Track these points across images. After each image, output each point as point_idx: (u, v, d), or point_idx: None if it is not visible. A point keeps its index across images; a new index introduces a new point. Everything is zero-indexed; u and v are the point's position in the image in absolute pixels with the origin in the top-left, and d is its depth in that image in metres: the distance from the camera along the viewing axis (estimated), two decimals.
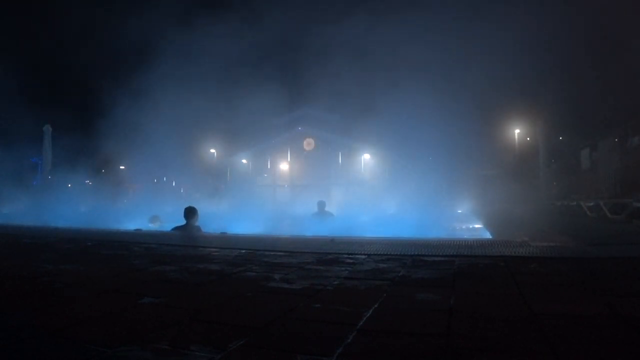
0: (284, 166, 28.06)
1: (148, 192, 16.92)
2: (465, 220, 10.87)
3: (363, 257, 3.52)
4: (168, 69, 14.96)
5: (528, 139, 24.02)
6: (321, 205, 10.68)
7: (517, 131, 24.21)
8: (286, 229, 8.57)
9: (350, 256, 3.56)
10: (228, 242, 4.86)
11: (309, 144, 25.86)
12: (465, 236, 7.40)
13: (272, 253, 3.81)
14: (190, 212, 7.13)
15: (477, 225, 9.71)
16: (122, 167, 21.10)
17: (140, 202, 14.26)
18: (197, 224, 7.13)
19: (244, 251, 4.02)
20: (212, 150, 30.16)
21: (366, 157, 26.11)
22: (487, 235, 6.62)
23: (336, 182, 24.57)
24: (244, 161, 29.26)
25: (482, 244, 4.26)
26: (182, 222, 7.13)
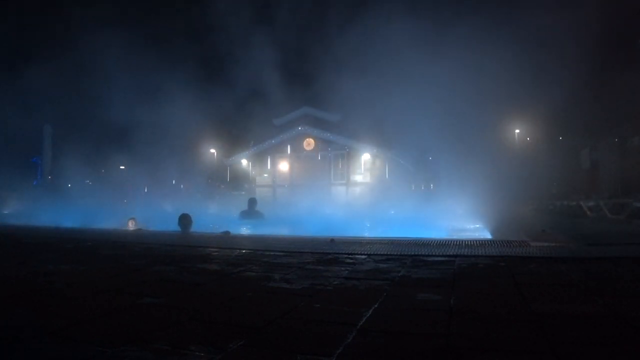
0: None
1: (148, 192, 16.93)
2: (465, 220, 10.86)
3: (363, 257, 3.52)
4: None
5: (528, 139, 24.02)
6: (252, 203, 10.02)
7: (517, 131, 24.22)
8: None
9: (350, 256, 3.56)
10: (228, 242, 4.86)
11: (309, 144, 25.79)
12: (465, 236, 7.39)
13: (272, 253, 3.81)
14: (184, 220, 6.98)
15: (477, 225, 9.70)
16: (122, 167, 21.09)
17: (140, 202, 14.28)
18: (191, 231, 7.06)
19: (244, 251, 4.02)
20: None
21: (366, 157, 26.01)
22: (487, 235, 6.61)
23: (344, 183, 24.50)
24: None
25: (482, 244, 4.26)
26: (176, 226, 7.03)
